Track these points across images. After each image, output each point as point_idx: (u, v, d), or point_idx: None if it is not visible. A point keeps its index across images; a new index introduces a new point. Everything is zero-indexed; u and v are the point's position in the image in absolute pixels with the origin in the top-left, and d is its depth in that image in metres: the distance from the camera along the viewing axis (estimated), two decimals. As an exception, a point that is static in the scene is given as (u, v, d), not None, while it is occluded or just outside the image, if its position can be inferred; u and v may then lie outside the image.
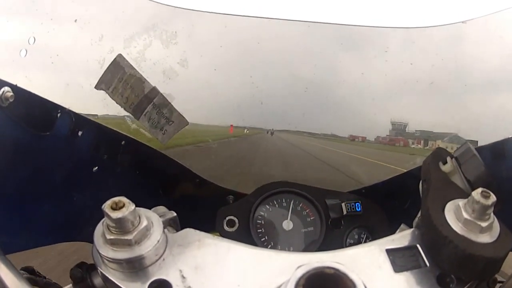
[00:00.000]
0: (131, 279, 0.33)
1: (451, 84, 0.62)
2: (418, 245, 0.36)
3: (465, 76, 0.62)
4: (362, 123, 0.66)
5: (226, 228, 0.61)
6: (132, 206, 0.33)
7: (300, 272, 0.28)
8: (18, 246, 0.45)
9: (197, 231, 0.37)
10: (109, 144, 0.57)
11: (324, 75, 0.61)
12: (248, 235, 0.61)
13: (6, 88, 0.42)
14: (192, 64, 0.57)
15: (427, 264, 0.35)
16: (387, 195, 0.65)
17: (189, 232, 0.37)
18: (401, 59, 0.61)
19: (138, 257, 0.33)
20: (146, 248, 0.33)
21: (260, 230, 0.62)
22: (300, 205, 0.64)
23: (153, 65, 0.55)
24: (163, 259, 0.34)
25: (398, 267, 0.34)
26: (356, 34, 0.59)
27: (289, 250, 0.61)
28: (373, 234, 0.64)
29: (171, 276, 0.33)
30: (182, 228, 0.39)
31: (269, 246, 0.61)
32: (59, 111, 0.49)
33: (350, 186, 0.68)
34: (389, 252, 0.35)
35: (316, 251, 0.58)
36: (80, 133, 0.52)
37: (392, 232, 0.42)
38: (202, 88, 0.60)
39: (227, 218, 0.62)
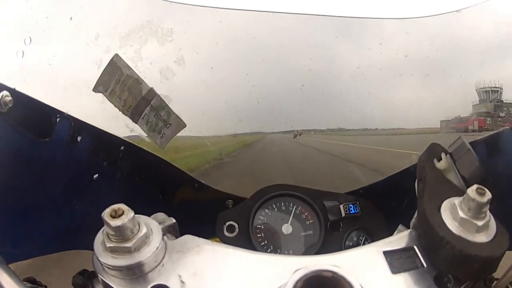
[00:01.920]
0: (131, 286, 0.33)
1: (446, 76, 0.61)
2: (415, 247, 0.36)
3: (460, 66, 0.61)
4: (359, 118, 0.65)
5: (226, 233, 0.62)
6: (131, 214, 0.33)
7: (298, 276, 0.28)
8: (20, 255, 0.45)
9: (196, 237, 0.38)
10: (108, 149, 0.57)
11: (320, 69, 0.61)
12: (248, 240, 0.61)
13: (5, 93, 0.41)
14: (188, 63, 0.56)
15: (424, 265, 0.35)
16: (385, 195, 0.65)
17: (188, 238, 0.38)
18: (395, 51, 0.61)
19: (137, 264, 0.33)
20: (145, 255, 0.33)
21: (260, 235, 0.62)
22: (299, 208, 0.64)
23: (150, 64, 0.55)
24: (162, 265, 0.34)
25: (395, 269, 0.34)
26: (350, 26, 0.59)
27: (288, 254, 0.62)
28: (372, 235, 0.64)
29: (170, 282, 0.33)
30: (181, 235, 0.39)
31: (269, 250, 0.61)
32: (58, 116, 0.49)
33: (348, 187, 0.68)
34: (386, 254, 0.35)
35: (315, 254, 0.59)
36: (79, 138, 0.52)
37: (391, 233, 0.42)
38: (198, 87, 0.60)
39: (227, 224, 0.62)
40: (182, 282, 0.33)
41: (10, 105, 0.41)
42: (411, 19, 0.58)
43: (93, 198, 0.53)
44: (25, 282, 0.50)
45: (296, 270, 0.29)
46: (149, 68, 0.55)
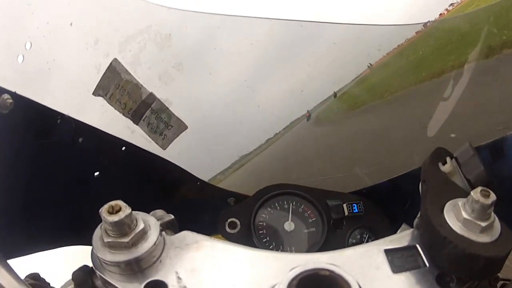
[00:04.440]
0: (129, 281, 0.33)
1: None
2: (417, 245, 0.36)
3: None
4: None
5: (228, 230, 0.62)
6: (128, 210, 0.33)
7: (293, 274, 0.28)
8: (21, 251, 0.45)
9: (195, 234, 0.37)
10: (109, 150, 0.57)
11: (320, 75, 0.62)
12: (250, 236, 0.61)
13: (6, 95, 0.42)
14: (187, 68, 0.57)
15: (426, 264, 0.34)
16: (388, 195, 0.64)
17: (187, 234, 0.37)
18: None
19: (135, 259, 0.33)
20: (143, 250, 0.33)
21: (262, 232, 0.62)
22: (302, 206, 0.64)
23: (148, 69, 0.56)
24: (160, 261, 0.34)
25: (396, 268, 0.34)
26: (350, 34, 0.60)
27: (291, 251, 0.61)
28: (375, 234, 0.64)
29: (167, 278, 0.33)
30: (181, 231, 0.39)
31: (271, 247, 0.61)
32: (59, 117, 0.49)
33: (351, 187, 0.68)
34: (388, 252, 0.35)
35: (318, 251, 0.58)
36: (80, 139, 0.52)
37: (395, 232, 0.42)
38: (197, 92, 0.60)
39: (229, 220, 0.62)
40: (179, 278, 0.33)
41: (11, 108, 0.42)
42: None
43: (94, 196, 0.53)
44: (26, 279, 0.50)
45: (292, 268, 0.28)
46: (147, 73, 0.56)
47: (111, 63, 0.54)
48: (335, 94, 0.67)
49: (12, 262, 0.35)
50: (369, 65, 0.66)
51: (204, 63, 0.62)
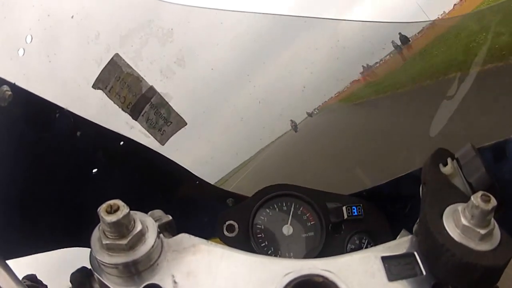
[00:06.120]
0: (126, 284, 0.33)
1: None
2: (415, 253, 0.35)
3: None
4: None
5: (226, 233, 0.61)
6: (126, 210, 0.33)
7: (287, 279, 0.28)
8: (19, 252, 0.45)
9: (192, 237, 0.37)
10: (107, 144, 0.57)
11: (322, 72, 0.61)
12: (248, 240, 0.61)
13: (5, 87, 0.42)
14: (188, 63, 0.57)
15: (424, 272, 0.34)
16: (389, 198, 0.64)
17: (184, 237, 0.37)
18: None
19: (133, 262, 0.33)
20: (141, 253, 0.33)
21: (260, 236, 0.62)
22: (301, 209, 0.64)
23: (150, 64, 0.56)
24: (157, 264, 0.34)
25: (393, 276, 0.33)
26: (353, 31, 0.59)
27: (289, 256, 0.61)
28: (375, 239, 0.63)
29: (163, 282, 0.33)
30: (179, 232, 0.39)
31: (269, 252, 0.61)
32: (57, 111, 0.49)
33: (351, 188, 0.67)
34: (385, 259, 0.34)
35: (316, 257, 0.58)
36: (78, 133, 0.52)
37: (394, 237, 0.41)
38: (199, 87, 0.60)
39: (226, 223, 0.62)
40: (175, 282, 0.33)
41: (10, 100, 0.42)
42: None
43: (92, 194, 0.54)
44: (23, 280, 0.50)
45: (286, 274, 0.28)
46: (149, 67, 0.56)
47: (112, 58, 0.53)
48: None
49: (9, 262, 0.35)
50: (365, 66, 0.65)
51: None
